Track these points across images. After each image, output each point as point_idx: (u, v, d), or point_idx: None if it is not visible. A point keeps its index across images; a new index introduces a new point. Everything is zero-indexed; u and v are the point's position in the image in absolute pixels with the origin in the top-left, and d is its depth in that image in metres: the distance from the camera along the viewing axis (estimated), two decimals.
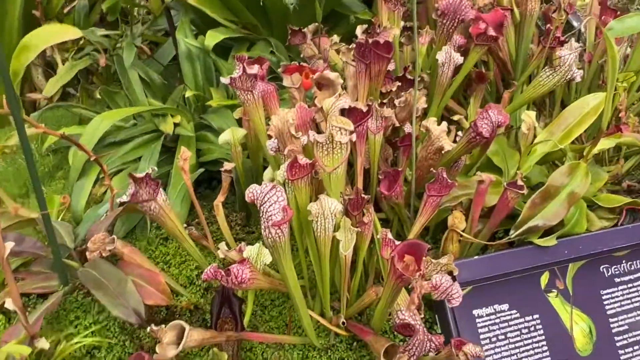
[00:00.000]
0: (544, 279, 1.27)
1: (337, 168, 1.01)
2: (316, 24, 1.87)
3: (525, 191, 1.19)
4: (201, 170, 1.59)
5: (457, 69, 1.49)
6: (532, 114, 1.49)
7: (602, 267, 1.33)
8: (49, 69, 2.26)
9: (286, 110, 1.14)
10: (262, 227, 0.95)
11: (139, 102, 1.96)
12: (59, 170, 1.81)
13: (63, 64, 2.08)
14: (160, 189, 1.22)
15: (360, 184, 1.23)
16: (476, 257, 1.21)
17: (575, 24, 1.92)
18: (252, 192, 0.94)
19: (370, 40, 1.36)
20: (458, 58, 1.42)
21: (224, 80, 1.25)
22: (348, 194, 1.16)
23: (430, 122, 1.26)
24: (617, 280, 1.33)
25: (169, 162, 1.69)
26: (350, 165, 1.26)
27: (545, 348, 1.23)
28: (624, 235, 1.33)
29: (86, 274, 1.23)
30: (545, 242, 1.23)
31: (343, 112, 1.17)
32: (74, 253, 1.37)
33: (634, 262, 1.35)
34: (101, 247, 1.30)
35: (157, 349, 0.97)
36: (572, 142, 1.43)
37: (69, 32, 1.12)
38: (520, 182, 1.19)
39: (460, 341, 0.95)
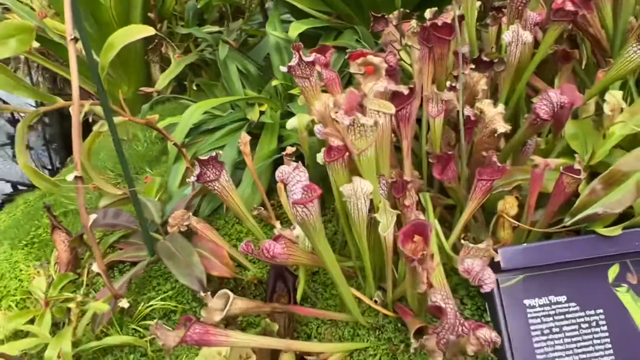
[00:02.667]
0: (613, 271, 1.17)
1: (365, 150, 1.03)
2: (401, 9, 1.87)
3: (582, 176, 1.10)
4: (277, 156, 1.68)
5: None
6: (618, 93, 1.36)
7: None
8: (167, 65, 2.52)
9: (327, 95, 1.18)
10: (290, 205, 1.01)
11: (236, 92, 2.12)
12: (164, 155, 2.02)
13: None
14: (224, 171, 1.33)
15: (407, 167, 1.23)
16: (525, 244, 1.15)
17: None
18: (281, 172, 1.00)
19: (429, 23, 1.35)
20: (527, 37, 1.35)
21: (283, 68, 1.33)
22: (393, 177, 1.18)
23: (485, 104, 1.22)
24: None
25: (252, 148, 1.81)
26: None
27: (608, 346, 1.14)
28: None
29: (163, 246, 1.39)
30: (610, 231, 1.13)
31: (392, 95, 1.19)
32: (160, 228, 1.54)
33: None
34: (179, 223, 1.46)
35: (202, 313, 1.08)
36: None
37: (143, 31, 1.26)
38: (577, 166, 1.11)
39: (477, 324, 0.93)
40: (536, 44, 1.51)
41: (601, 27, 1.57)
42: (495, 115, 1.20)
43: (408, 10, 1.89)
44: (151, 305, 1.38)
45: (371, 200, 1.11)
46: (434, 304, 1.03)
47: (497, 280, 1.15)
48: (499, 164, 1.16)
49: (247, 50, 2.33)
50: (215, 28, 2.39)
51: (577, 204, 1.13)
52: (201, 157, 1.30)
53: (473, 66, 1.46)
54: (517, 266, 1.14)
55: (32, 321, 1.37)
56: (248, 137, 1.39)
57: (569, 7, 1.36)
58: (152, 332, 1.04)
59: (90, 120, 3.26)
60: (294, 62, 1.31)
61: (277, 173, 1.01)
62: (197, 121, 1.96)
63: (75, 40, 1.16)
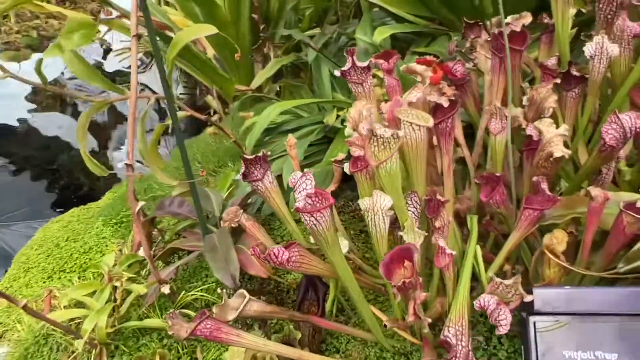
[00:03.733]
0: None
1: (383, 162, 0.96)
2: (499, 16, 1.74)
3: None
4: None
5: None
6: None
7: None
8: None
9: (363, 102, 1.13)
10: None
11: (325, 95, 2.12)
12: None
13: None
14: (269, 171, 1.32)
15: (447, 186, 1.13)
16: (569, 287, 1.00)
17: None
18: (292, 178, 0.98)
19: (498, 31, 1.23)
20: (613, 50, 1.17)
21: (336, 72, 1.29)
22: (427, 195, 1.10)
23: (545, 123, 1.08)
24: None
25: (325, 152, 1.79)
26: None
27: None
28: None
29: (209, 239, 1.43)
30: None
31: (434, 107, 1.11)
32: (219, 221, 1.59)
33: None
34: (232, 219, 1.49)
35: (214, 310, 1.09)
36: None
37: (204, 30, 1.30)
38: (639, 205, 0.94)
39: None
40: None
41: None
42: (553, 137, 1.06)
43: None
44: (193, 295, 1.42)
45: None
46: (444, 339, 0.93)
47: (534, 323, 1.01)
48: (548, 192, 1.02)
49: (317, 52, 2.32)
50: (317, 31, 2.41)
51: (635, 247, 0.96)
52: (247, 156, 1.31)
53: (558, 80, 1.32)
54: (557, 310, 0.99)
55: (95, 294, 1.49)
56: (294, 140, 1.37)
57: None
58: (168, 320, 1.07)
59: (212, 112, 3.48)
60: (347, 66, 1.28)
61: (290, 179, 0.98)
62: (280, 121, 1.99)
63: (138, 37, 1.24)
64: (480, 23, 1.67)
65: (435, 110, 1.08)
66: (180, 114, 1.45)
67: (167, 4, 3.25)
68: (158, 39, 2.63)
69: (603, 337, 0.99)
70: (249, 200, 1.65)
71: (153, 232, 1.75)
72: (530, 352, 1.02)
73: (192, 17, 2.64)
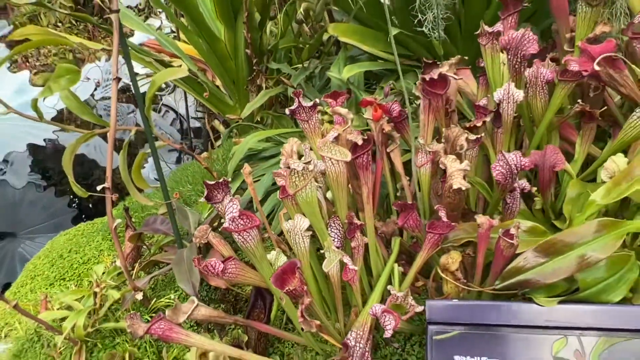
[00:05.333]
0: (559, 344, 1.12)
1: (299, 191, 1.15)
2: (459, 56, 1.92)
3: (515, 241, 1.09)
4: None
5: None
6: (622, 160, 1.29)
7: None
8: None
9: (295, 139, 1.32)
10: None
11: None
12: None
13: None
14: (229, 195, 1.53)
15: (367, 211, 1.31)
16: (456, 300, 1.16)
17: None
18: (223, 203, 1.17)
19: (426, 77, 1.42)
20: (519, 95, 1.34)
21: (286, 111, 1.49)
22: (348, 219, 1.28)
23: (449, 159, 1.25)
24: None
25: None
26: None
27: None
28: None
29: (180, 253, 1.64)
30: (546, 302, 1.09)
31: (354, 144, 1.29)
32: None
33: None
34: (201, 236, 1.69)
35: (167, 312, 1.29)
36: None
37: (177, 72, 1.52)
38: (513, 231, 1.10)
39: None
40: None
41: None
42: (455, 172, 1.23)
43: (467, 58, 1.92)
44: (164, 301, 1.63)
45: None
46: (345, 341, 1.11)
47: (431, 331, 1.18)
48: (445, 219, 1.19)
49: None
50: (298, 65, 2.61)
51: (509, 268, 1.12)
52: (209, 182, 1.52)
53: (488, 119, 1.48)
54: (446, 320, 1.16)
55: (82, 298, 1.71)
56: (249, 169, 1.57)
57: (573, 67, 1.33)
58: (127, 320, 1.27)
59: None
60: (295, 106, 1.48)
61: (225, 203, 1.18)
62: (261, 148, 2.20)
63: (118, 80, 1.46)
64: (438, 63, 1.86)
65: (354, 147, 1.26)
66: (158, 143, 1.67)
67: (178, 38, 3.53)
68: (164, 68, 2.89)
69: (487, 344, 1.15)
70: (222, 220, 1.85)
71: (143, 246, 1.97)
72: (427, 356, 1.18)
73: (198, 49, 2.90)
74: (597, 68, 1.30)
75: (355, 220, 1.23)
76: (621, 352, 1.09)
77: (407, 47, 2.26)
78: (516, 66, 1.39)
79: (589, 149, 1.47)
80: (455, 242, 1.23)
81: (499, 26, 1.52)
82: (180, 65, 3.18)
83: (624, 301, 1.10)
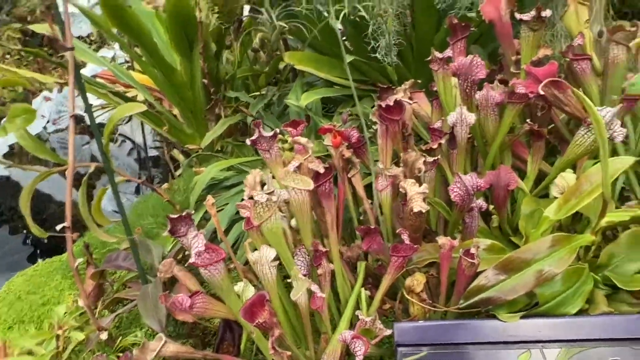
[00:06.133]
0: (523, 358, 1.16)
1: (263, 222, 1.16)
2: (412, 80, 1.98)
3: (476, 261, 1.13)
4: None
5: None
6: (571, 176, 1.36)
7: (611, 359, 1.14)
8: None
9: (257, 170, 1.34)
10: None
11: None
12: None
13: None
14: (192, 228, 1.52)
15: (332, 239, 1.33)
16: (422, 321, 1.19)
17: None
18: (188, 238, 1.17)
19: (382, 104, 1.46)
20: (471, 118, 1.40)
21: (247, 141, 1.51)
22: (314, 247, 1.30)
23: (408, 183, 1.29)
24: None
25: None
26: None
27: None
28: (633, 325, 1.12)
29: (144, 289, 1.61)
30: (509, 318, 1.13)
31: (316, 173, 1.32)
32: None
33: None
34: (166, 270, 1.68)
35: (134, 352, 1.27)
36: None
37: (135, 108, 1.52)
38: (473, 250, 1.14)
39: None
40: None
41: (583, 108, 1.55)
42: (414, 195, 1.26)
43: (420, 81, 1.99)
44: (130, 340, 1.60)
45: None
46: None
47: (400, 352, 1.20)
48: (408, 242, 1.22)
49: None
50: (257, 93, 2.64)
51: (471, 287, 1.16)
52: (172, 215, 1.51)
53: (442, 141, 1.53)
54: (414, 342, 1.18)
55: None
56: (212, 200, 1.57)
57: (520, 89, 1.40)
58: None
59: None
60: (255, 136, 1.49)
61: (189, 238, 1.18)
62: (223, 177, 2.20)
63: (75, 117, 1.45)
64: (393, 87, 1.91)
65: (316, 175, 1.29)
66: (118, 178, 1.65)
67: (132, 68, 3.51)
68: (120, 99, 2.87)
69: None
70: (187, 253, 1.83)
71: (105, 283, 1.93)
72: None
73: (154, 79, 2.88)
74: (541, 92, 1.37)
75: (321, 248, 1.25)
76: None
77: (362, 73, 2.32)
78: (467, 90, 1.45)
79: (541, 166, 1.53)
80: (419, 264, 1.27)
81: (449, 52, 1.59)
82: (136, 96, 3.17)
83: (581, 312, 1.15)
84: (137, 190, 5.24)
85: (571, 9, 1.67)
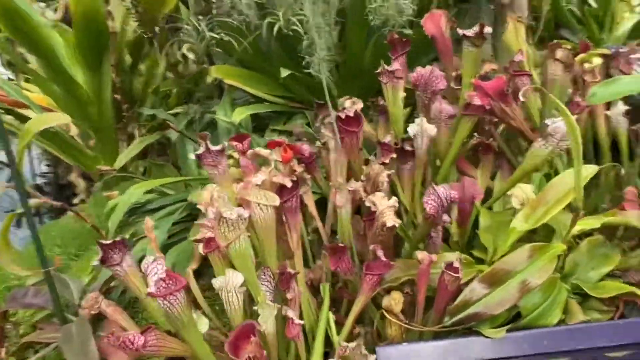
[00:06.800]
0: None
1: (232, 242, 1.03)
2: (347, 97, 1.94)
3: (460, 275, 1.08)
4: None
5: None
6: (527, 187, 1.36)
7: None
8: None
9: (214, 185, 1.21)
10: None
11: (191, 172, 2.17)
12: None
13: None
14: (127, 255, 1.33)
15: (297, 259, 1.22)
16: (405, 343, 1.11)
17: None
18: (145, 263, 1.01)
19: (342, 114, 1.39)
20: (431, 130, 1.37)
21: (191, 156, 1.36)
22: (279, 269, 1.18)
23: (377, 197, 1.22)
24: None
25: (189, 229, 1.82)
26: None
27: None
28: (616, 331, 1.12)
29: (65, 330, 1.38)
30: (494, 333, 1.09)
31: (279, 186, 1.21)
32: (79, 309, 1.54)
33: None
34: (91, 306, 1.46)
35: None
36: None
37: (57, 119, 1.33)
38: (456, 264, 1.09)
39: None
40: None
41: (526, 119, 1.59)
42: (385, 209, 1.20)
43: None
44: None
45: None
46: None
47: None
48: (384, 259, 1.15)
49: (211, 131, 2.40)
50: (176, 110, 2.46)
51: (456, 302, 1.10)
52: (104, 241, 1.32)
53: (394, 155, 1.49)
54: None
55: None
56: (151, 222, 1.41)
57: (476, 101, 1.39)
58: None
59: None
60: (201, 150, 1.35)
61: (142, 265, 1.02)
62: (144, 200, 2.00)
63: None
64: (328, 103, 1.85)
65: (281, 190, 1.18)
66: (33, 201, 1.42)
67: (28, 80, 3.15)
68: (13, 118, 2.55)
69: None
70: (112, 284, 1.62)
71: (6, 326, 1.65)
72: None
73: (52, 96, 2.59)
74: (477, 103, 1.37)
75: (290, 270, 1.13)
76: None
77: (289, 89, 2.24)
78: (426, 102, 1.42)
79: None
80: (393, 282, 1.19)
81: (397, 65, 1.56)
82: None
83: (560, 323, 1.14)
84: (18, 224, 4.70)
85: (510, 26, 1.72)
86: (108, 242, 1.32)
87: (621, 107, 1.59)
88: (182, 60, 2.17)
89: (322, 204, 1.56)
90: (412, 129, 1.37)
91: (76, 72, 2.50)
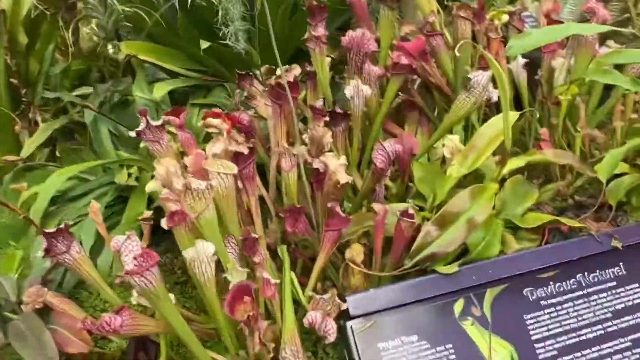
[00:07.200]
0: (458, 306, 1.24)
1: (202, 213, 1.04)
2: (267, 66, 1.95)
3: (415, 220, 1.18)
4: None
5: None
6: (455, 137, 1.48)
7: (525, 290, 1.28)
8: None
9: (169, 158, 1.20)
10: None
11: (107, 155, 2.08)
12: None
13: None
14: (75, 242, 1.28)
15: (257, 224, 1.26)
16: (372, 289, 1.20)
17: None
18: (116, 241, 0.99)
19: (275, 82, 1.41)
20: (367, 90, 1.44)
21: (132, 133, 1.33)
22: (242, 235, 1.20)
23: (328, 156, 1.28)
24: (543, 303, 1.28)
25: (122, 212, 1.77)
26: None
27: None
28: (544, 255, 1.29)
29: (14, 327, 1.31)
30: (448, 269, 1.21)
31: (234, 155, 1.22)
32: (17, 306, 1.45)
33: (563, 283, 1.30)
34: (35, 300, 1.39)
35: None
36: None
37: None
38: (411, 211, 1.18)
39: None
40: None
41: (442, 76, 1.71)
42: (337, 167, 1.26)
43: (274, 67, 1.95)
44: None
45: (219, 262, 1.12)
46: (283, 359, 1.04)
47: (351, 327, 1.18)
48: (342, 214, 1.21)
49: (123, 110, 2.30)
50: (90, 90, 2.34)
51: (414, 246, 1.20)
52: (48, 230, 1.25)
53: (327, 119, 1.54)
54: (367, 311, 1.18)
55: None
56: (98, 205, 1.36)
57: (403, 60, 1.48)
58: None
59: None
60: (142, 126, 1.32)
61: (112, 243, 1.00)
62: (65, 188, 1.89)
63: None
64: (251, 73, 1.86)
65: (236, 157, 1.19)
66: None
67: None
68: None
69: (405, 324, 1.20)
70: (49, 277, 1.54)
71: None
72: (352, 352, 1.18)
73: None
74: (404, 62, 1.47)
75: (254, 234, 1.16)
76: (505, 298, 1.26)
77: (206, 64, 2.20)
78: (358, 64, 1.48)
79: None
80: (351, 235, 1.26)
81: (321, 30, 1.61)
82: None
83: (500, 253, 1.28)
84: None
85: None
86: (52, 230, 1.26)
87: (521, 60, 1.76)
88: (89, 38, 2.05)
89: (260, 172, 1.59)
90: (349, 91, 1.43)
91: None
